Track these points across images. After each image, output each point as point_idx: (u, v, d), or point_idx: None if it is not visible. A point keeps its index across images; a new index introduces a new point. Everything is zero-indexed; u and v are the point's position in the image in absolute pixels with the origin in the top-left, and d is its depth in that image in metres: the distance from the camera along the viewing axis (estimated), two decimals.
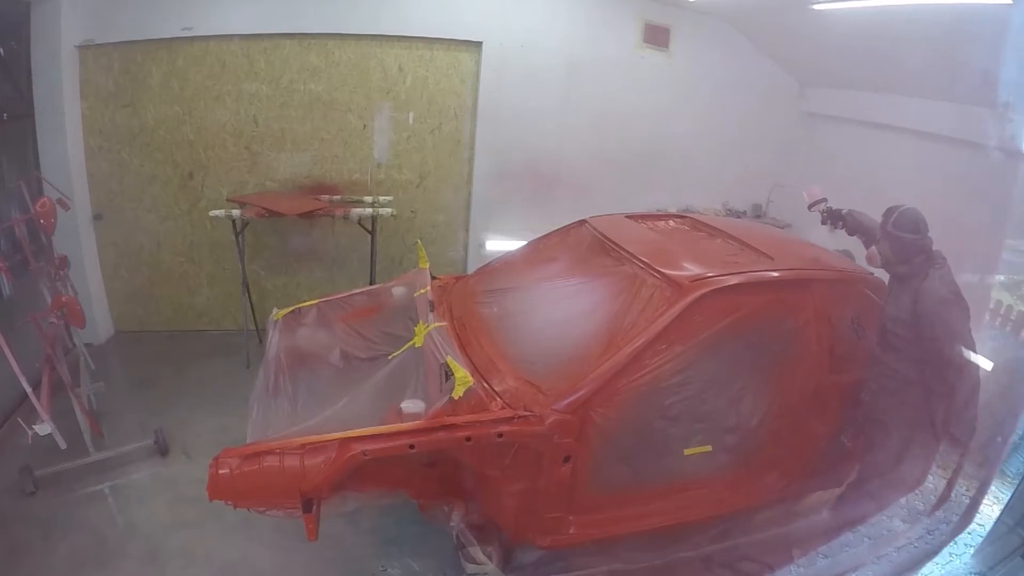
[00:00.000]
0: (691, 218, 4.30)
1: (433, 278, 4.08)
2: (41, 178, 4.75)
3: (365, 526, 3.69)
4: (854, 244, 3.73)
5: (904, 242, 3.13)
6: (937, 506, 3.40)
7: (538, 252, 4.21)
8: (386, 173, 5.87)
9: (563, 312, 3.46)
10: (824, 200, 3.81)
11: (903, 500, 3.42)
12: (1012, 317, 4.30)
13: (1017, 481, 3.08)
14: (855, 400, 3.39)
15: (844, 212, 3.69)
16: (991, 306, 4.27)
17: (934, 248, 3.16)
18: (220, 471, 2.65)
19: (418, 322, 3.44)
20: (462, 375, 2.77)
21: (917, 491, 3.45)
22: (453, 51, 5.68)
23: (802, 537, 3.42)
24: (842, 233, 3.72)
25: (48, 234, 4.25)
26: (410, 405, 2.94)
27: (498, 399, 2.92)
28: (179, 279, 5.84)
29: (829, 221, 3.76)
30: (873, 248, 3.32)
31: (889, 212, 3.21)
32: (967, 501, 3.21)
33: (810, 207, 3.86)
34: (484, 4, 5.57)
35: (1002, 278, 4.19)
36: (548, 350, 3.18)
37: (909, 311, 3.15)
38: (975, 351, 3.08)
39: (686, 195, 6.28)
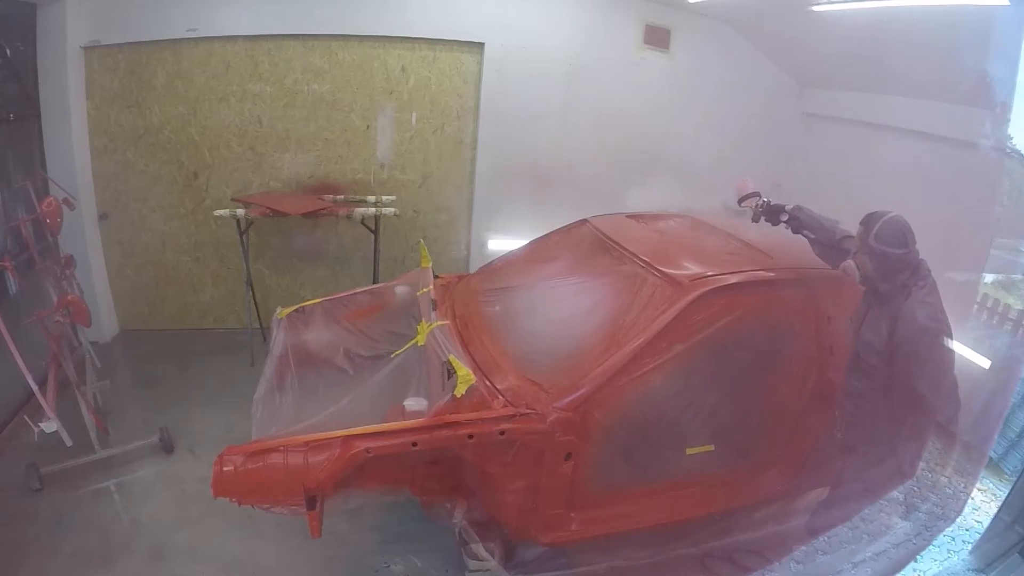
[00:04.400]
0: (691, 217, 4.32)
1: (436, 277, 4.11)
2: (47, 178, 4.77)
3: (368, 523, 3.71)
4: None
5: (888, 257, 2.75)
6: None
7: (540, 251, 4.23)
8: (389, 173, 5.89)
9: (564, 311, 3.49)
10: (756, 194, 3.53)
11: (901, 497, 3.44)
12: (1011, 316, 4.33)
13: (1014, 478, 3.11)
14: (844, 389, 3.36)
15: (789, 208, 3.37)
16: (988, 304, 4.29)
17: (919, 259, 2.80)
18: (224, 468, 2.68)
19: (421, 321, 3.46)
20: (464, 373, 2.79)
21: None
22: (455, 52, 5.70)
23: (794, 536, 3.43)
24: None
25: (54, 233, 4.28)
26: (413, 403, 2.97)
27: (500, 397, 2.94)
28: (184, 278, 5.87)
29: (765, 217, 3.47)
30: (850, 263, 2.93)
31: (870, 221, 2.81)
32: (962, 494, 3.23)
33: (740, 202, 3.61)
34: (486, 5, 5.59)
35: (1001, 277, 4.21)
36: (549, 348, 3.21)
37: (885, 338, 2.81)
38: (954, 382, 2.84)
39: (686, 195, 6.27)
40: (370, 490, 2.99)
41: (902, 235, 2.74)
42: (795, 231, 3.37)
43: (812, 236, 3.27)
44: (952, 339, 2.78)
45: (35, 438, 3.49)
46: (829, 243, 3.18)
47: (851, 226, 3.17)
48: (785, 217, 3.37)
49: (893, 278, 2.78)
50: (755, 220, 3.53)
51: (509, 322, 3.57)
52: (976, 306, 4.29)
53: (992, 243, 4.03)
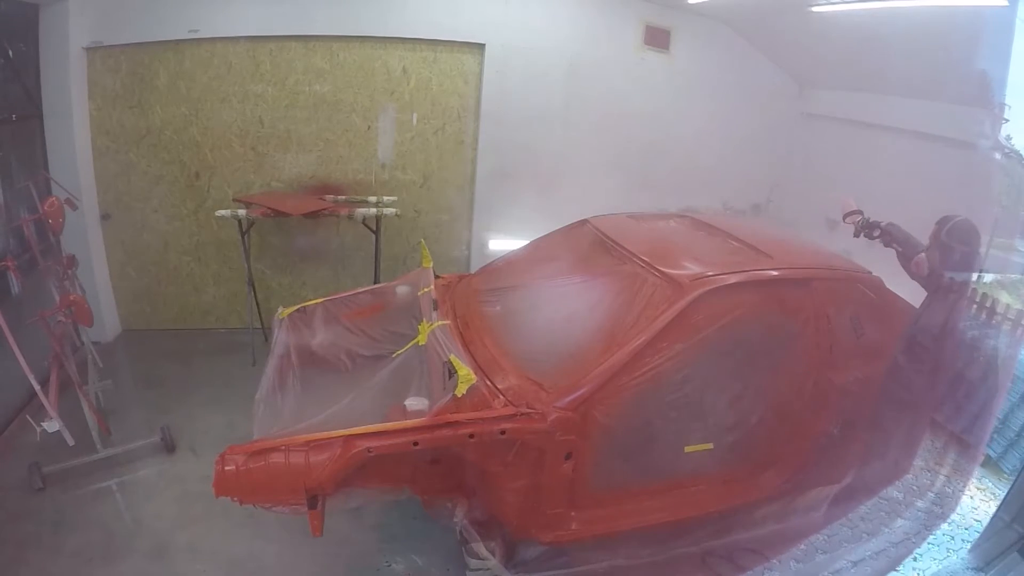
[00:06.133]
0: (692, 217, 4.32)
1: (437, 277, 4.11)
2: (49, 178, 4.79)
3: (369, 522, 3.73)
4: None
5: (953, 252, 3.12)
6: None
7: (540, 251, 4.24)
8: (390, 173, 5.91)
9: (565, 311, 3.49)
10: (860, 212, 3.80)
11: (900, 496, 3.45)
12: (1010, 316, 4.33)
13: (1013, 477, 3.12)
14: (853, 397, 3.40)
15: (883, 224, 3.66)
16: (988, 304, 4.30)
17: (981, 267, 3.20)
18: (226, 468, 2.68)
19: (422, 320, 3.47)
20: (465, 373, 2.80)
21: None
22: (456, 53, 5.72)
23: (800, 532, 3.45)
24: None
25: (56, 233, 4.29)
26: (414, 402, 2.98)
27: (501, 396, 2.95)
28: (186, 278, 5.88)
29: (863, 232, 3.74)
30: (922, 255, 3.27)
31: (943, 221, 3.18)
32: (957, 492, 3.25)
33: (845, 218, 3.86)
34: (487, 6, 5.60)
35: (999, 276, 4.22)
36: (550, 348, 3.21)
37: (940, 325, 3.15)
38: (994, 369, 3.12)
39: (687, 195, 6.28)
40: (371, 489, 3.00)
41: (970, 235, 3.11)
42: (886, 244, 3.61)
43: (900, 249, 3.52)
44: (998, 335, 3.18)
45: (37, 438, 3.51)
46: (914, 256, 3.40)
47: None
48: (878, 232, 3.64)
49: (954, 272, 3.13)
50: (856, 236, 3.77)
51: (510, 322, 3.58)
52: (975, 305, 4.31)
53: (991, 243, 4.04)
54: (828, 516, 3.39)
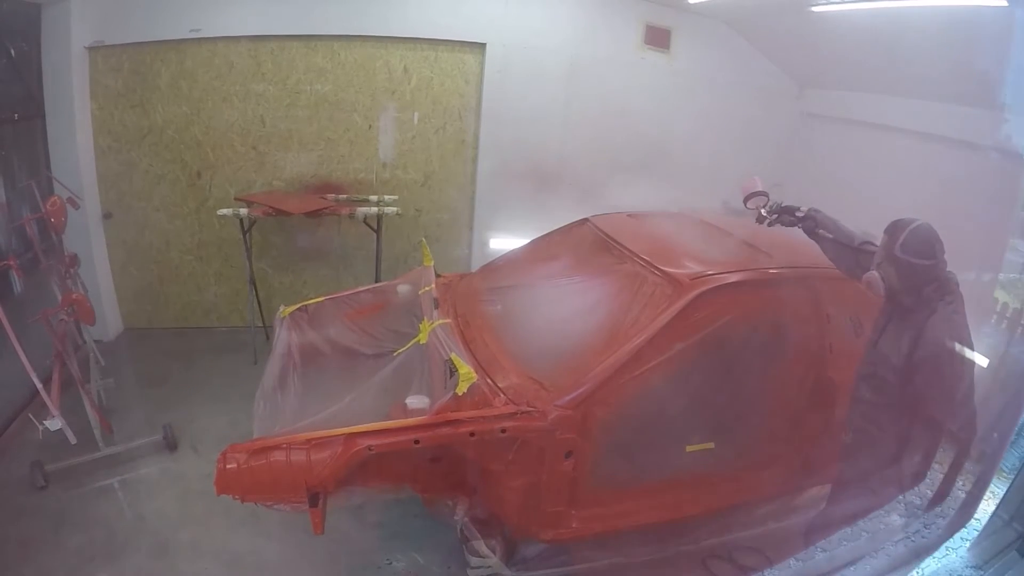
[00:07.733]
0: (692, 216, 4.33)
1: (437, 276, 4.12)
2: (51, 177, 4.81)
3: (371, 520, 3.73)
4: None
5: (914, 269, 2.59)
6: (934, 502, 3.29)
7: (541, 250, 4.25)
8: (391, 172, 5.92)
9: (565, 309, 3.50)
10: (763, 194, 3.37)
11: (901, 496, 3.43)
12: (1008, 315, 4.32)
13: (1012, 476, 3.11)
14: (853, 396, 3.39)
15: (803, 209, 3.22)
16: (997, 309, 4.27)
17: (948, 272, 2.64)
18: (228, 466, 2.69)
19: (423, 319, 3.48)
20: (466, 371, 2.81)
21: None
22: (457, 52, 5.73)
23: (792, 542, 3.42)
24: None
25: (58, 232, 4.30)
26: (415, 401, 2.99)
27: (501, 395, 2.96)
28: (187, 277, 5.90)
29: (776, 219, 3.30)
30: (873, 272, 2.73)
31: (895, 229, 2.65)
32: (963, 496, 3.22)
33: (745, 201, 3.45)
34: (488, 6, 5.61)
35: (1000, 276, 4.20)
36: (551, 347, 3.22)
37: (904, 354, 2.67)
38: (973, 410, 2.71)
39: (686, 194, 6.28)
40: (372, 487, 3.01)
41: (930, 246, 2.59)
42: (809, 232, 3.22)
43: (829, 236, 3.12)
44: (974, 361, 2.66)
45: (40, 436, 3.50)
46: (848, 245, 3.05)
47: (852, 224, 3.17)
48: (800, 214, 3.22)
49: (918, 291, 2.64)
50: (759, 222, 3.39)
51: (510, 320, 3.59)
52: (996, 315, 4.23)
53: (989, 243, 4.03)
54: (823, 529, 3.34)
